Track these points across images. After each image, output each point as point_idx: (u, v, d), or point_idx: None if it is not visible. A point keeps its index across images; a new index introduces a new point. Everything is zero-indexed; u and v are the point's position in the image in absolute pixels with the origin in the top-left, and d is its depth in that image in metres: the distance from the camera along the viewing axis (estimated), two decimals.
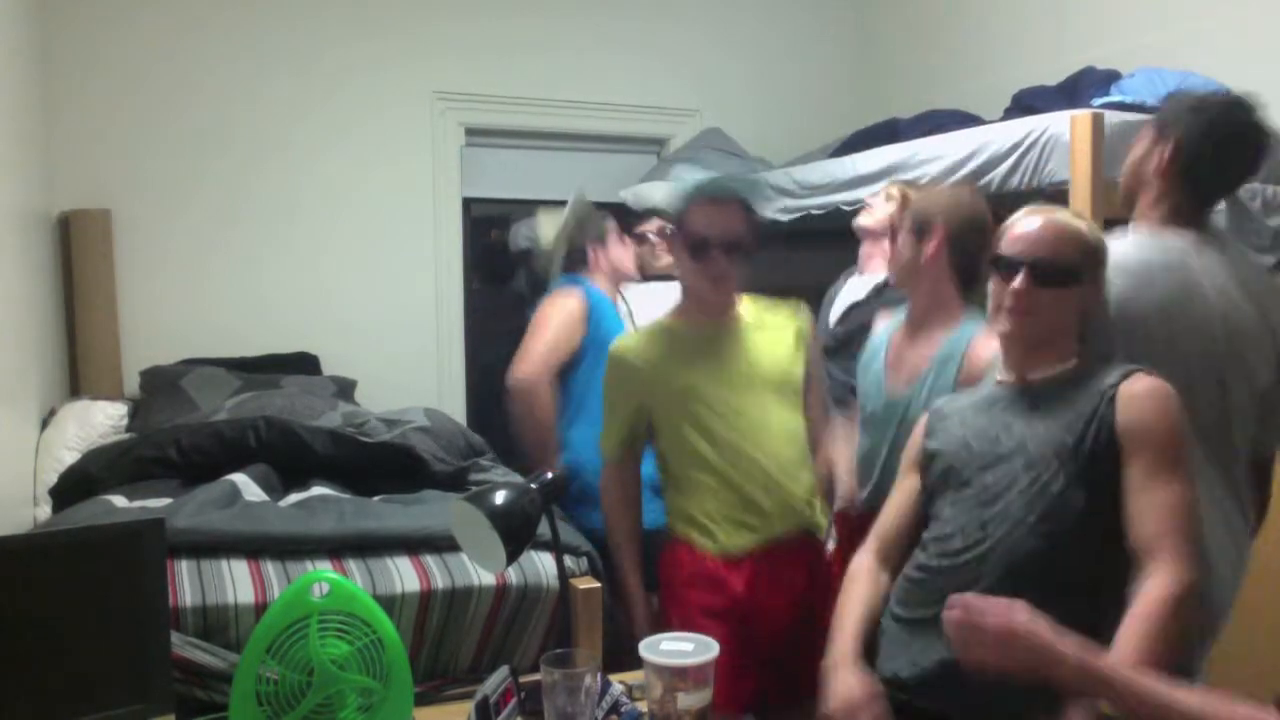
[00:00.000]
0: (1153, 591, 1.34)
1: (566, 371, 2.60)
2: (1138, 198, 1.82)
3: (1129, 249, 1.68)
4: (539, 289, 2.84)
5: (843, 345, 2.63)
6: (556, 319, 2.59)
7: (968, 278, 1.97)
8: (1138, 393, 1.44)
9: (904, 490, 1.68)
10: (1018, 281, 1.51)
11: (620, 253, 2.84)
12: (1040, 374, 1.55)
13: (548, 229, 2.86)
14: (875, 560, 1.67)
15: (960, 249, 1.97)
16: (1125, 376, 1.46)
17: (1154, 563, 1.36)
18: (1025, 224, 1.55)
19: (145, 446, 2.23)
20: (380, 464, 2.26)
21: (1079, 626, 1.31)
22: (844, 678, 1.53)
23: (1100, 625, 1.34)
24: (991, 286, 1.58)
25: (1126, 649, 1.30)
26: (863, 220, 2.68)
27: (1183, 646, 1.36)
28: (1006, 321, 1.54)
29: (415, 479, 2.24)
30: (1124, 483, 1.41)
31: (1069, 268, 1.51)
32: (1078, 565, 1.43)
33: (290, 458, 2.21)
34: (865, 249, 2.68)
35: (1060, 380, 1.53)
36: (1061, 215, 1.56)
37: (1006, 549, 1.46)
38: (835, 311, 2.71)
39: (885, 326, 2.15)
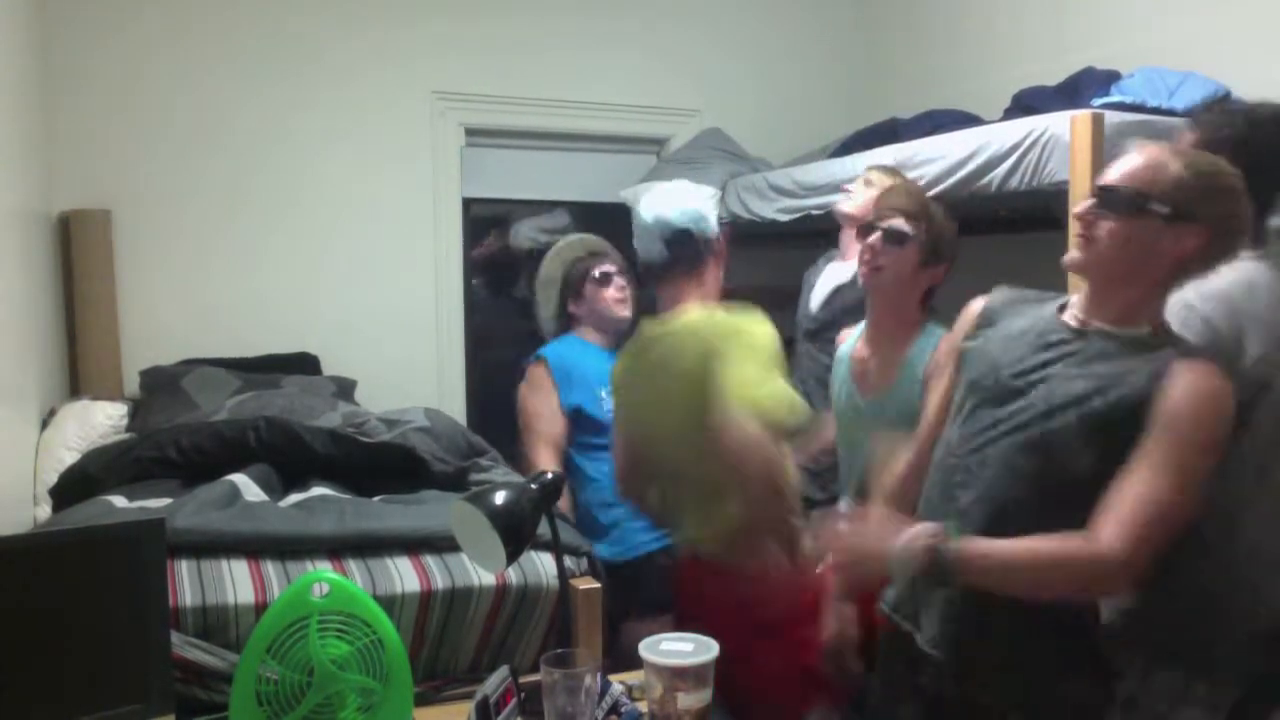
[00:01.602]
0: (1061, 538, 1.29)
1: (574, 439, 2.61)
2: None
3: None
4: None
5: (825, 328, 2.64)
6: (532, 406, 2.61)
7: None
8: (1184, 376, 1.29)
9: (942, 390, 1.61)
10: (1084, 205, 1.40)
11: (600, 298, 2.69)
12: (1102, 325, 1.41)
13: (545, 275, 2.84)
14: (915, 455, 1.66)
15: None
16: (1183, 357, 1.32)
17: (1090, 530, 1.29)
18: (1139, 157, 1.40)
19: (145, 446, 2.23)
20: (380, 464, 2.26)
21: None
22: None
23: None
24: None
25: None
26: (843, 206, 2.67)
27: (1039, 593, 1.33)
28: (1071, 249, 1.43)
29: (415, 479, 2.24)
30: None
31: (1132, 196, 1.35)
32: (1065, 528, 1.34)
33: (290, 458, 2.21)
34: (845, 234, 2.68)
35: (1121, 341, 1.38)
36: (1166, 147, 1.39)
37: (992, 495, 1.41)
38: (817, 296, 2.72)
39: (846, 343, 2.23)
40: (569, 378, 2.61)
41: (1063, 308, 1.50)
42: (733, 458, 1.77)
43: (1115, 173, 1.38)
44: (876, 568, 1.40)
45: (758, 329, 1.89)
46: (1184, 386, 1.29)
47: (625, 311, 2.69)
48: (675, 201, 2.04)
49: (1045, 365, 1.41)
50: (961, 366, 1.55)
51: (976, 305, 1.61)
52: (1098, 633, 1.44)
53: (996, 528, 1.38)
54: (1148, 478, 1.28)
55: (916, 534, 1.35)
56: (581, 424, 2.59)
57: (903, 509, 1.59)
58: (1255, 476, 1.42)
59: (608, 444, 2.39)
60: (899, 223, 2.02)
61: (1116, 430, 1.32)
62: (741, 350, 1.84)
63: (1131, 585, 1.32)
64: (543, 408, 2.60)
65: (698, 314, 1.99)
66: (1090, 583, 1.32)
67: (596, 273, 2.70)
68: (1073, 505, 1.32)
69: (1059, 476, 1.36)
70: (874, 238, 2.04)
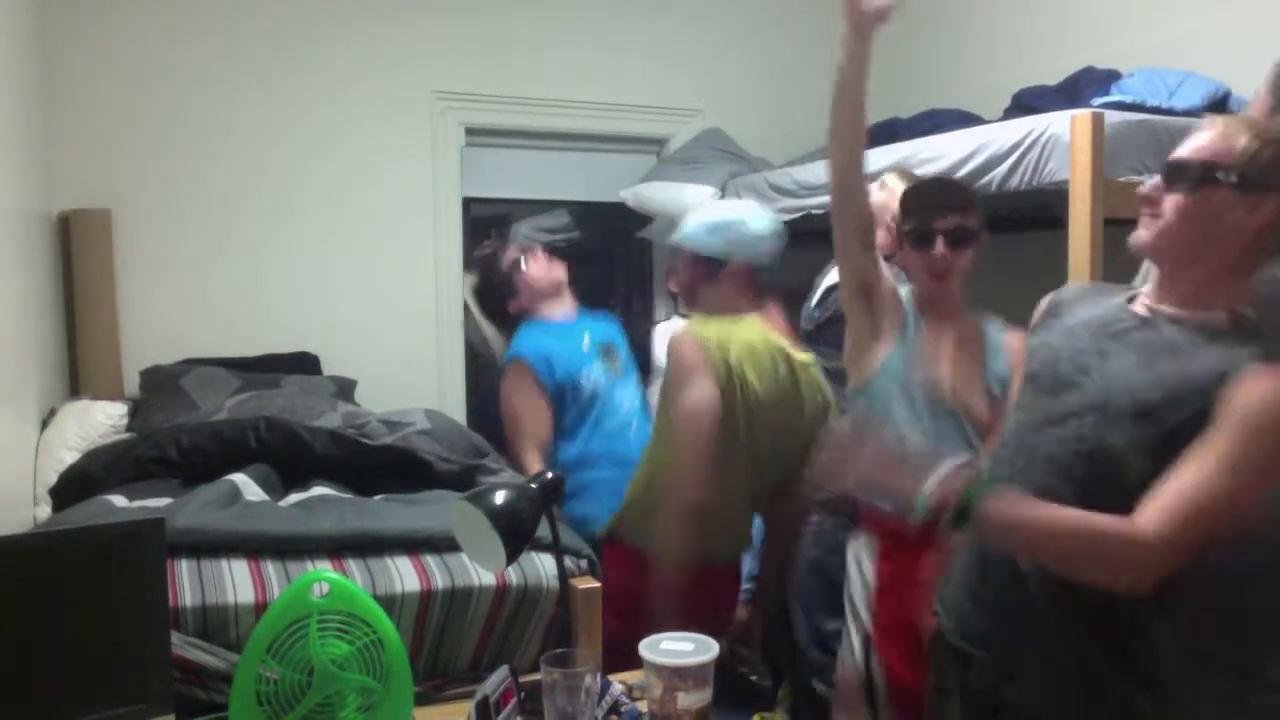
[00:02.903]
0: (1099, 515, 1.21)
1: (558, 423, 2.73)
2: None
3: None
4: None
5: (820, 329, 2.64)
6: (517, 406, 2.69)
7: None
8: (1260, 382, 1.19)
9: (1015, 388, 1.53)
10: (1151, 181, 1.33)
11: (531, 275, 2.86)
12: (1173, 309, 1.32)
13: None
14: None
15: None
16: (1263, 360, 1.21)
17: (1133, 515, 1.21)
18: (1213, 130, 1.31)
19: (145, 446, 2.22)
20: (382, 466, 2.26)
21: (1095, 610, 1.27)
22: None
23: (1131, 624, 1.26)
24: None
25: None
26: None
27: (1072, 569, 1.24)
28: (1139, 229, 1.34)
29: (420, 481, 2.24)
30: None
31: (1198, 167, 1.27)
32: None
33: (291, 458, 2.21)
34: None
35: (1190, 328, 1.29)
36: (1238, 119, 1.32)
37: (1037, 491, 1.31)
38: (815, 295, 2.72)
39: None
40: (550, 366, 2.69)
41: (1132, 299, 1.41)
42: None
43: (1184, 148, 1.31)
44: (897, 499, 1.28)
45: None
46: (1258, 392, 1.19)
47: (558, 271, 2.87)
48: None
49: (1104, 354, 1.34)
50: (1025, 360, 1.49)
51: (1045, 300, 1.55)
52: (1148, 643, 1.32)
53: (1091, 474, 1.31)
54: (1201, 470, 1.19)
55: (950, 473, 1.25)
56: (566, 402, 2.69)
57: None
58: None
59: (592, 414, 2.65)
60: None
61: (1175, 435, 1.23)
62: None
63: (1162, 576, 1.21)
64: (526, 407, 2.67)
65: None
66: (1122, 566, 1.22)
67: (506, 264, 2.86)
68: (1120, 510, 1.24)
69: (1109, 477, 1.28)
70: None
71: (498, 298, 2.89)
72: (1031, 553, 1.28)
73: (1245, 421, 1.19)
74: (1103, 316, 1.40)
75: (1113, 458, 1.28)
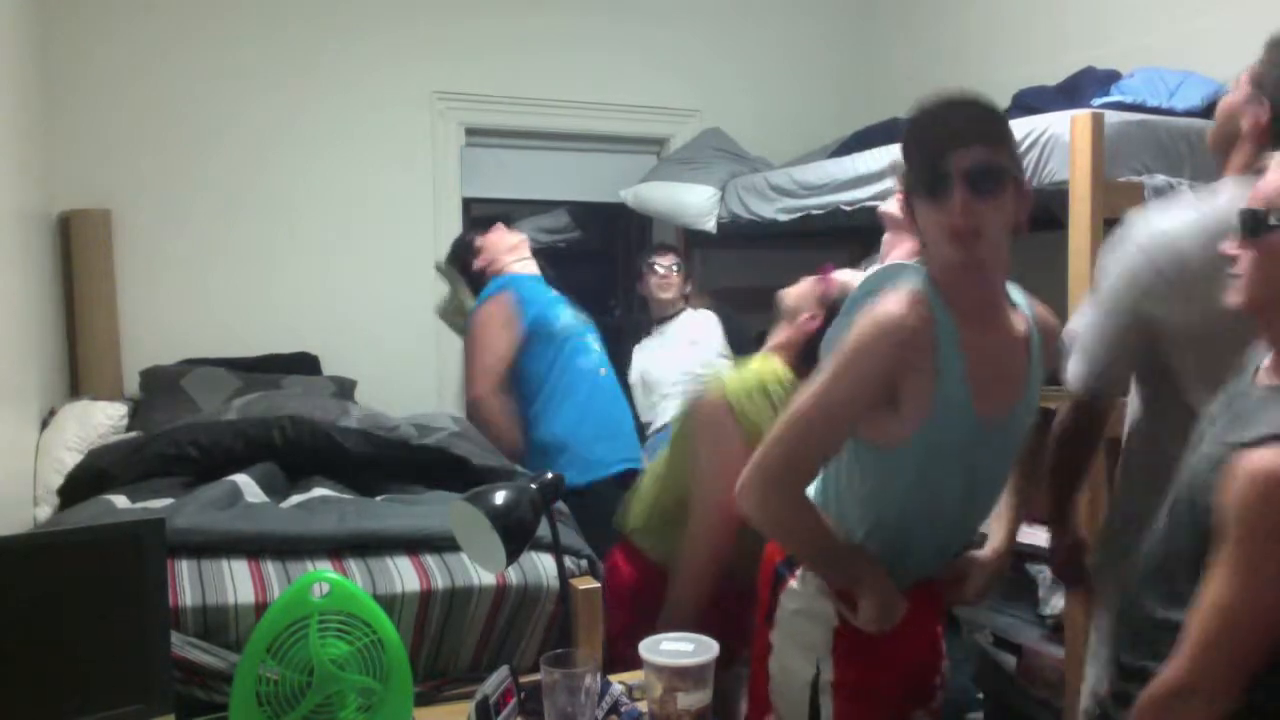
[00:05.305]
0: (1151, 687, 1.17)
1: (519, 364, 2.78)
2: (1230, 149, 1.63)
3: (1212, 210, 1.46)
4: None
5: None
6: (486, 332, 2.77)
7: None
8: (1248, 473, 1.09)
9: None
10: (1230, 239, 1.24)
11: (489, 237, 2.99)
12: (1272, 378, 1.22)
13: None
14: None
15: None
16: (1256, 443, 1.11)
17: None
18: (1273, 173, 1.20)
19: (162, 444, 2.20)
20: (421, 466, 2.24)
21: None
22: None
23: None
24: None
25: None
26: (888, 207, 2.57)
27: None
28: (1234, 292, 1.22)
29: (459, 483, 2.20)
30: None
31: (1259, 216, 1.18)
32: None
33: (315, 457, 2.19)
34: (888, 238, 2.61)
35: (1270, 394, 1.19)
36: None
37: (1152, 550, 1.32)
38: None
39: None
40: (529, 300, 2.79)
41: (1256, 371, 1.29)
42: None
43: (1254, 195, 1.22)
44: None
45: None
46: (1244, 483, 1.10)
47: (517, 237, 3.01)
48: None
49: (1204, 431, 1.26)
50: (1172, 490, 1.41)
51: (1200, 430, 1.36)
52: None
53: (1155, 580, 1.28)
54: (1214, 585, 1.13)
55: None
56: (539, 339, 2.75)
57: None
58: None
59: (566, 349, 2.76)
60: None
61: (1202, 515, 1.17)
62: None
63: (1221, 708, 1.13)
64: (496, 336, 2.74)
65: None
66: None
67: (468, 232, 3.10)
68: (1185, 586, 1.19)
69: (1183, 546, 1.23)
70: None
71: (465, 256, 3.01)
72: None
73: (1240, 518, 1.10)
74: (1237, 389, 1.28)
75: (1178, 528, 1.23)
